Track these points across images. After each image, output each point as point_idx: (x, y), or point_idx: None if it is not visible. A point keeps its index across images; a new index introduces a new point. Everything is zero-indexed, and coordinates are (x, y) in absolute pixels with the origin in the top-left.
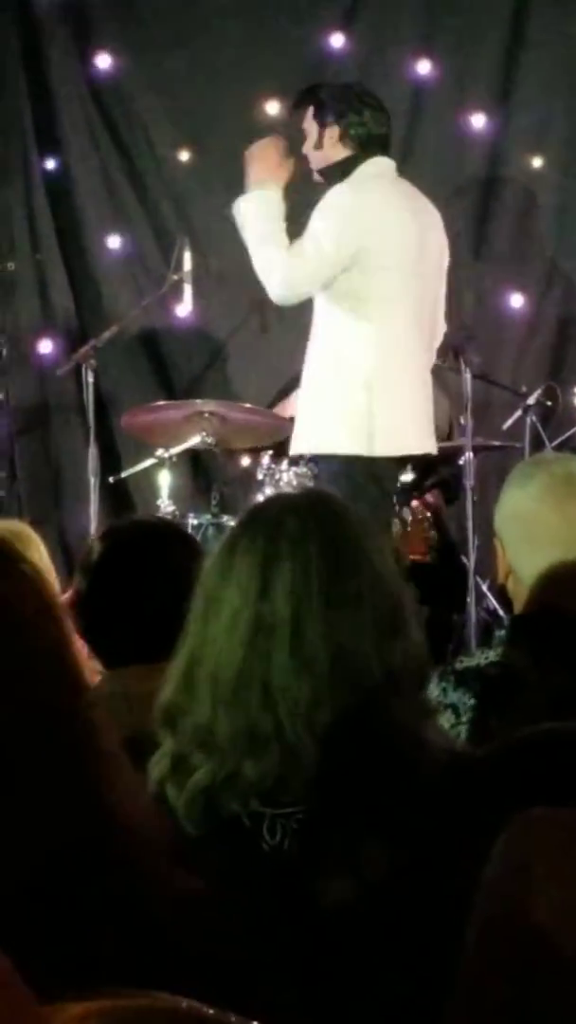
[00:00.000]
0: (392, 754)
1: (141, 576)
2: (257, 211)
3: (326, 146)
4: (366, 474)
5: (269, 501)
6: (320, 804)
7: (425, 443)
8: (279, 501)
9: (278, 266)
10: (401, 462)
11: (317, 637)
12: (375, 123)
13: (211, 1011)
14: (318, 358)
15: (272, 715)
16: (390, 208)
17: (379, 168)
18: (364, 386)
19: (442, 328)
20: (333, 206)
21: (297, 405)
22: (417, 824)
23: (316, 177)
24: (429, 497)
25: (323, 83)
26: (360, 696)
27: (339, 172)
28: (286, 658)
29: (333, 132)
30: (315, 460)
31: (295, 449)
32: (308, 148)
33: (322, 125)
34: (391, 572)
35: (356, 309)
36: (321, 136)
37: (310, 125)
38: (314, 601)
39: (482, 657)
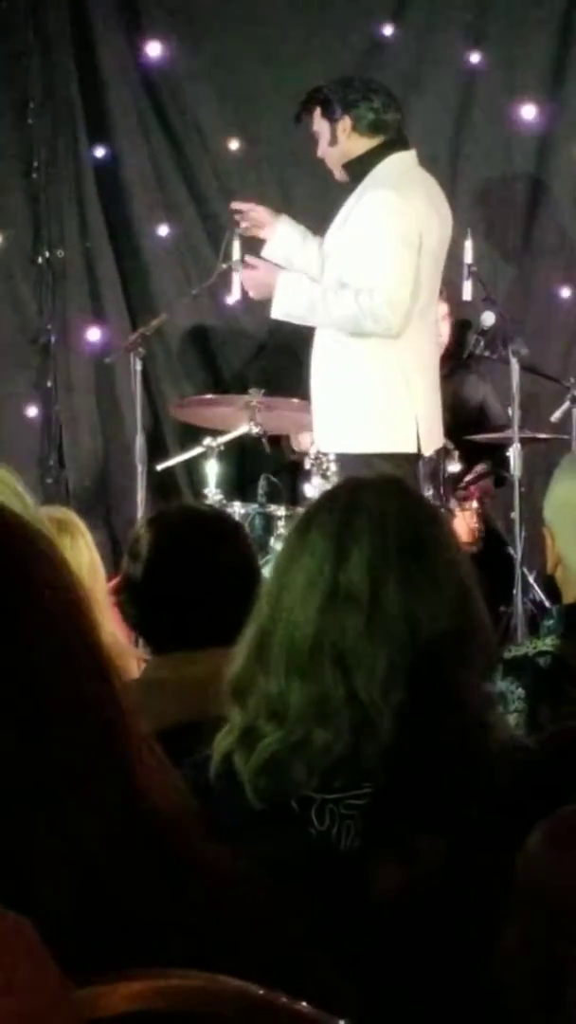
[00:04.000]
0: (458, 735)
1: (190, 562)
2: (294, 288)
3: (341, 140)
4: (409, 468)
5: (345, 482)
6: (384, 781)
7: (442, 436)
8: (355, 482)
9: (365, 314)
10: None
11: (395, 607)
12: (384, 108)
13: (263, 991)
14: (352, 354)
15: (346, 683)
16: (428, 204)
17: (405, 163)
18: (405, 384)
19: None
20: (388, 217)
21: (327, 402)
22: (471, 812)
23: (339, 176)
24: (475, 488)
25: (323, 84)
26: (434, 671)
27: (363, 165)
28: (363, 626)
29: (345, 124)
30: (338, 457)
31: (327, 447)
32: (324, 149)
33: (332, 121)
34: (463, 555)
35: None
36: (334, 132)
37: (320, 125)
38: (392, 573)
39: (530, 647)
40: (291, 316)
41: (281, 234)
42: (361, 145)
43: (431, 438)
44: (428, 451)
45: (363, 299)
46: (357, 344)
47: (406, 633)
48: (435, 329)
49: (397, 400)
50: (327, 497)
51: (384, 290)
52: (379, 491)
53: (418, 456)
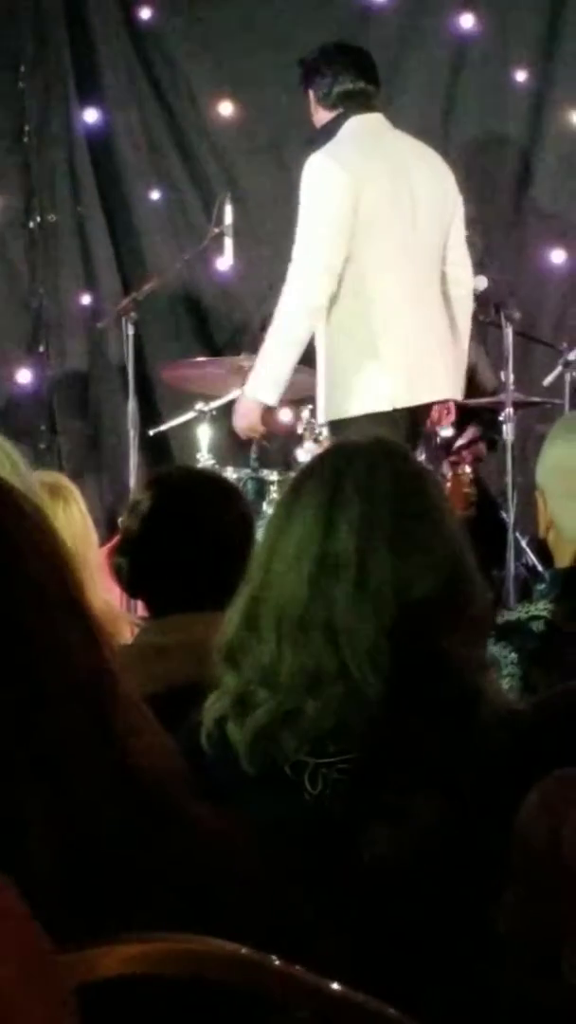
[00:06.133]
0: (449, 702)
1: (190, 522)
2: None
3: (315, 111)
4: (390, 426)
5: (336, 446)
6: (370, 750)
7: (442, 390)
8: (346, 446)
9: (283, 323)
10: (418, 413)
11: (382, 577)
12: (348, 79)
13: (256, 954)
14: (326, 325)
15: (336, 654)
16: (367, 164)
17: (359, 125)
18: (371, 343)
19: (465, 272)
20: (309, 183)
21: (318, 375)
22: (465, 776)
23: None
24: (468, 453)
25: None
26: (424, 641)
27: (324, 135)
28: (350, 597)
29: (316, 96)
30: (332, 426)
31: (320, 419)
32: (312, 116)
33: (306, 91)
34: (455, 521)
35: (349, 272)
36: (310, 102)
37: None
38: (380, 541)
39: (523, 611)
40: (276, 382)
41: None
42: (328, 115)
43: (417, 388)
44: (413, 402)
45: (273, 324)
46: (330, 315)
47: (395, 601)
48: (427, 275)
49: (361, 361)
50: (316, 462)
51: (290, 282)
52: (368, 457)
53: (409, 413)
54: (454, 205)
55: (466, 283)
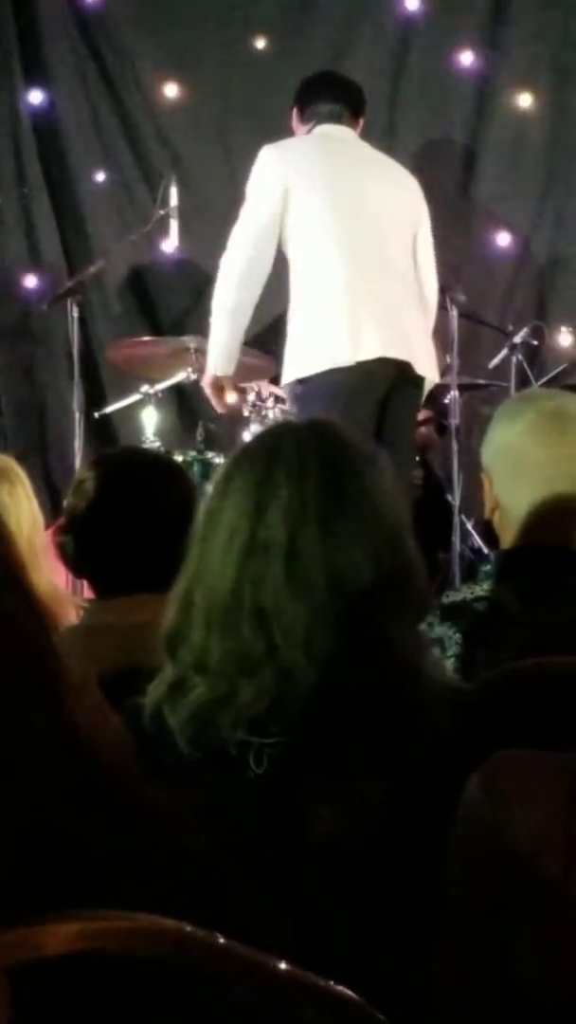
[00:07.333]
0: (388, 683)
1: (135, 502)
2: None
3: (296, 127)
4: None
5: (271, 427)
6: (311, 731)
7: (399, 352)
8: (281, 427)
9: (219, 276)
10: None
11: (313, 560)
12: (320, 100)
13: (200, 932)
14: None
15: (265, 637)
16: (313, 153)
17: (323, 130)
18: (329, 305)
19: (427, 289)
20: (254, 167)
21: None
22: (409, 756)
23: None
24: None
25: None
26: (358, 623)
27: None
28: (280, 580)
29: (298, 114)
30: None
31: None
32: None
33: (291, 110)
34: (392, 501)
35: (292, 250)
36: (294, 119)
37: None
38: (310, 524)
39: (468, 592)
40: (220, 353)
41: None
42: (303, 131)
43: (372, 344)
44: (371, 355)
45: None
46: (293, 285)
47: (327, 583)
48: (382, 252)
49: (320, 322)
50: (249, 446)
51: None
52: (300, 438)
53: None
54: (417, 218)
55: (430, 299)
